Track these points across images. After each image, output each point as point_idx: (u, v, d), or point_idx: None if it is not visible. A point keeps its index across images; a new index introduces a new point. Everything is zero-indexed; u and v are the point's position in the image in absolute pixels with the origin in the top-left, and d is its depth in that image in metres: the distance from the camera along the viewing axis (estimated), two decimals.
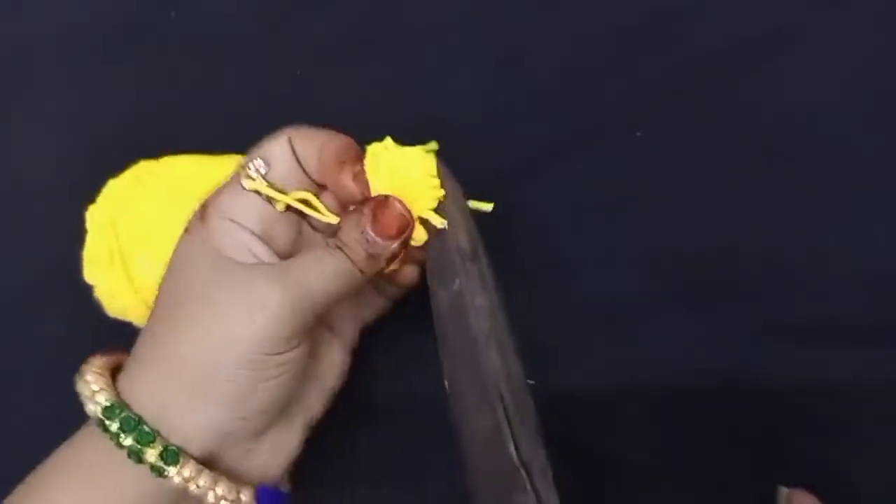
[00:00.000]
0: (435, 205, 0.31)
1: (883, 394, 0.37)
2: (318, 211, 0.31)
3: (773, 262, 0.39)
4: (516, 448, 0.27)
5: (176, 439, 0.28)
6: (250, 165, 0.31)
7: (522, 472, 0.27)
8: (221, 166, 0.33)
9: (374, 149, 0.31)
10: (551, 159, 0.41)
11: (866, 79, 0.41)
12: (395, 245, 0.30)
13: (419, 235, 0.31)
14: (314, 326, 0.30)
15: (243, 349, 0.28)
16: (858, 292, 0.38)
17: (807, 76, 0.41)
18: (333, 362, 0.33)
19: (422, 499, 0.37)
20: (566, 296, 0.39)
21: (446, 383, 0.30)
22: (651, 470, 0.37)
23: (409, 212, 0.30)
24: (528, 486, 0.27)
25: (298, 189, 0.31)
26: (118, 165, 0.40)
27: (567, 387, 0.38)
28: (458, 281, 0.29)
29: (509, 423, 0.27)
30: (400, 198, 0.31)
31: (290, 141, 0.31)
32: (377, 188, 0.31)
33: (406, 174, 0.31)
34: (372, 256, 0.30)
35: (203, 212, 0.31)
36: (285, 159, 0.31)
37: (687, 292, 0.39)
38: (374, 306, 0.35)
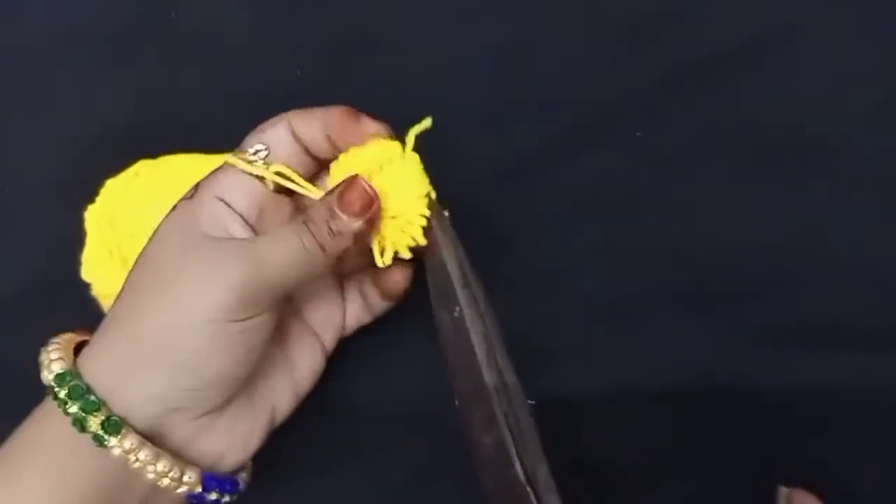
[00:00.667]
0: (426, 212, 0.31)
1: (883, 394, 0.37)
2: (297, 184, 0.32)
3: (773, 262, 0.39)
4: (521, 464, 0.28)
5: (121, 410, 0.28)
6: (248, 149, 0.31)
7: (528, 488, 0.28)
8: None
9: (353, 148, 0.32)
10: (551, 159, 0.41)
11: (867, 78, 0.41)
12: (357, 223, 0.30)
13: (401, 244, 0.32)
14: (275, 304, 0.30)
15: (197, 314, 0.28)
16: (859, 293, 0.38)
17: (807, 76, 0.41)
18: (308, 363, 0.34)
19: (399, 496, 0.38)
20: (566, 296, 0.39)
21: (456, 402, 0.30)
22: (651, 470, 0.37)
23: (374, 191, 0.31)
24: (534, 501, 0.28)
25: (301, 168, 0.32)
26: (118, 165, 0.40)
27: (567, 387, 0.38)
28: (458, 308, 0.30)
29: (514, 440, 0.28)
30: (371, 183, 0.31)
31: (290, 124, 0.32)
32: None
33: (390, 171, 0.32)
34: (334, 233, 0.30)
35: (194, 190, 0.31)
36: (286, 142, 0.32)
37: (687, 293, 0.39)
38: (356, 316, 0.35)
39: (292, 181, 0.32)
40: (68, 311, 0.38)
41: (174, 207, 0.31)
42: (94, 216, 0.38)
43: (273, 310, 0.30)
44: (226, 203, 0.31)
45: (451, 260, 0.31)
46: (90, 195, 0.38)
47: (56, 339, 0.30)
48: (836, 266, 0.39)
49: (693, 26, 0.42)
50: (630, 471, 0.37)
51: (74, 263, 0.38)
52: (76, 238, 0.38)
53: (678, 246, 0.39)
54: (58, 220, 0.40)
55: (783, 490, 0.35)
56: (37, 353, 0.39)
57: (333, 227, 0.30)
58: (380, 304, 0.35)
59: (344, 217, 0.30)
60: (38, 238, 0.41)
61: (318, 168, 0.33)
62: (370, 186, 0.31)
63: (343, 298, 0.35)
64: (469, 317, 0.30)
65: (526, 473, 0.28)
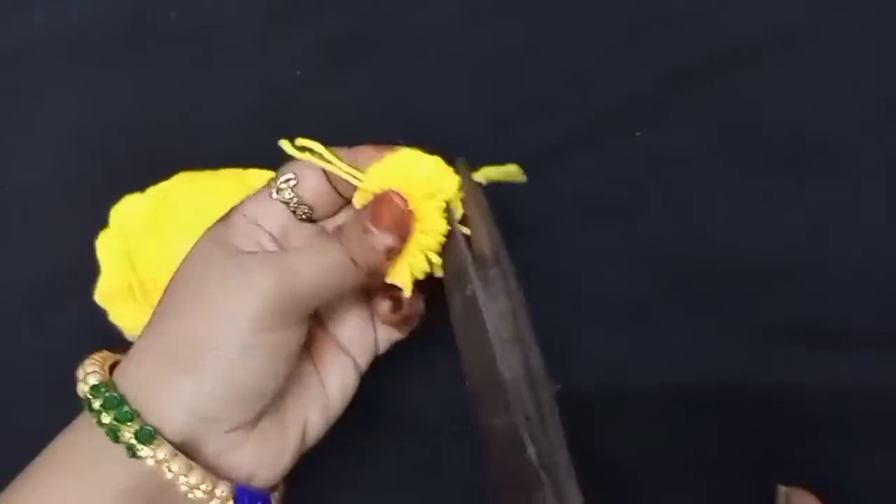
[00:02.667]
0: (445, 229, 0.31)
1: (883, 394, 0.37)
2: (349, 174, 0.32)
3: (774, 262, 0.39)
4: (536, 448, 0.27)
5: (154, 420, 0.28)
6: (282, 178, 0.32)
7: (542, 472, 0.27)
8: (237, 185, 0.33)
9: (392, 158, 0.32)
10: (551, 159, 0.41)
11: (868, 79, 0.41)
12: (389, 239, 0.30)
13: (418, 265, 0.31)
14: (302, 318, 0.30)
15: (230, 324, 0.29)
16: (859, 293, 0.38)
17: (807, 76, 0.41)
18: (341, 382, 0.34)
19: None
20: (566, 296, 0.39)
21: (467, 384, 0.30)
22: (651, 470, 0.37)
23: (406, 206, 0.31)
24: (549, 486, 0.27)
25: (326, 206, 0.33)
26: (118, 166, 0.40)
27: (566, 387, 0.38)
28: (470, 287, 0.29)
29: (528, 423, 0.28)
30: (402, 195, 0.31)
31: (321, 165, 0.32)
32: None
33: (423, 186, 0.31)
34: (366, 247, 0.30)
35: (227, 215, 0.32)
36: (314, 176, 0.32)
37: (687, 293, 0.39)
38: (388, 333, 0.35)
39: (343, 168, 0.32)
40: (70, 310, 0.38)
41: (209, 230, 0.32)
42: (108, 248, 0.37)
43: (304, 323, 0.30)
44: (259, 226, 0.32)
45: (481, 236, 0.31)
46: (90, 195, 0.38)
47: (93, 356, 0.31)
48: (836, 266, 0.39)
49: (693, 27, 0.42)
50: (630, 471, 0.37)
51: (75, 263, 0.38)
52: (77, 238, 0.38)
53: (678, 246, 0.39)
54: (59, 219, 0.40)
55: (783, 490, 0.35)
56: (40, 353, 0.39)
57: (368, 242, 0.30)
58: (410, 322, 0.35)
59: (376, 232, 0.30)
60: (38, 238, 0.41)
61: (343, 204, 0.33)
62: (404, 202, 0.31)
63: (372, 316, 0.35)
64: (484, 295, 0.29)
65: (540, 457, 0.27)
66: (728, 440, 0.37)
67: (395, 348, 0.36)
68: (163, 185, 0.38)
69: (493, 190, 0.40)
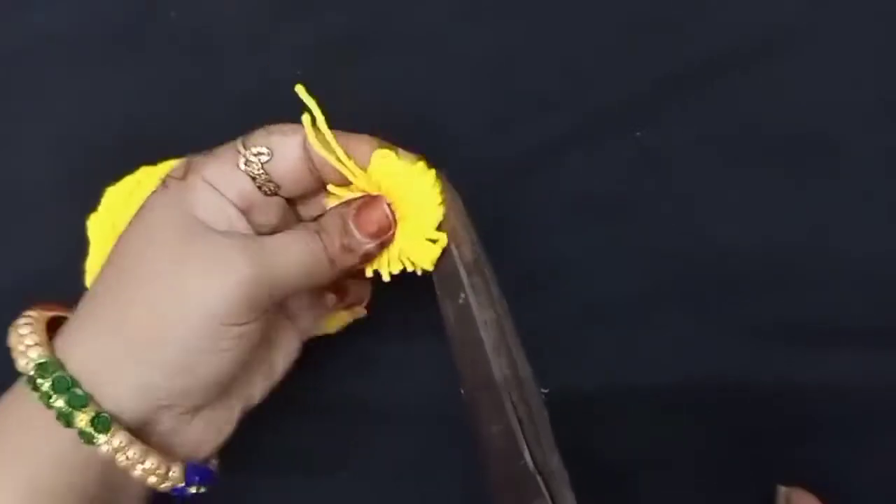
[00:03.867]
0: (435, 225, 0.31)
1: (883, 394, 0.37)
2: (349, 169, 0.30)
3: (774, 262, 0.39)
4: (531, 453, 0.27)
5: (109, 405, 0.27)
6: (254, 149, 0.30)
7: (538, 477, 0.27)
8: None
9: (377, 157, 0.30)
10: (551, 159, 0.41)
11: (867, 79, 0.41)
12: (371, 245, 0.30)
13: (419, 257, 0.31)
14: (272, 308, 0.29)
15: (199, 314, 0.27)
16: (859, 292, 0.38)
17: (807, 76, 0.41)
18: (285, 352, 0.33)
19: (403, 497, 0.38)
20: (566, 296, 0.39)
21: (462, 391, 0.30)
22: (651, 470, 0.37)
23: (393, 216, 0.30)
24: (545, 491, 0.27)
25: (296, 187, 0.31)
26: (118, 166, 0.40)
27: (566, 387, 0.38)
28: (462, 295, 0.29)
29: (522, 429, 0.28)
30: (392, 203, 0.30)
31: (305, 139, 0.30)
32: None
33: (407, 190, 0.30)
34: (346, 249, 0.30)
35: (185, 170, 0.30)
36: (295, 155, 0.30)
37: (687, 292, 0.39)
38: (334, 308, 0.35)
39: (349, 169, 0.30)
40: (68, 309, 0.38)
41: (163, 184, 0.29)
42: (97, 225, 0.37)
43: (267, 314, 0.29)
44: (220, 192, 0.29)
45: (463, 243, 0.30)
46: (90, 195, 0.38)
47: (25, 319, 0.29)
48: (836, 265, 0.39)
49: (693, 26, 0.42)
50: (630, 470, 0.37)
51: (74, 263, 0.38)
52: (76, 238, 0.38)
53: (678, 246, 0.39)
54: (58, 219, 0.40)
55: (783, 490, 0.35)
56: None
57: (346, 242, 0.29)
58: (359, 292, 0.34)
59: (358, 236, 0.30)
60: (37, 237, 0.41)
61: (318, 189, 0.31)
62: (391, 211, 0.30)
63: (322, 291, 0.34)
64: (476, 304, 0.29)
65: (535, 463, 0.27)
66: (728, 440, 0.37)
67: (393, 346, 0.36)
68: (155, 166, 0.38)
69: (494, 190, 0.40)
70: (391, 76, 0.42)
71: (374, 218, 0.30)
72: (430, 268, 0.31)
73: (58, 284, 0.39)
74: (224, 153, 0.30)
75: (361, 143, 0.30)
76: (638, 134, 0.41)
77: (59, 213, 0.40)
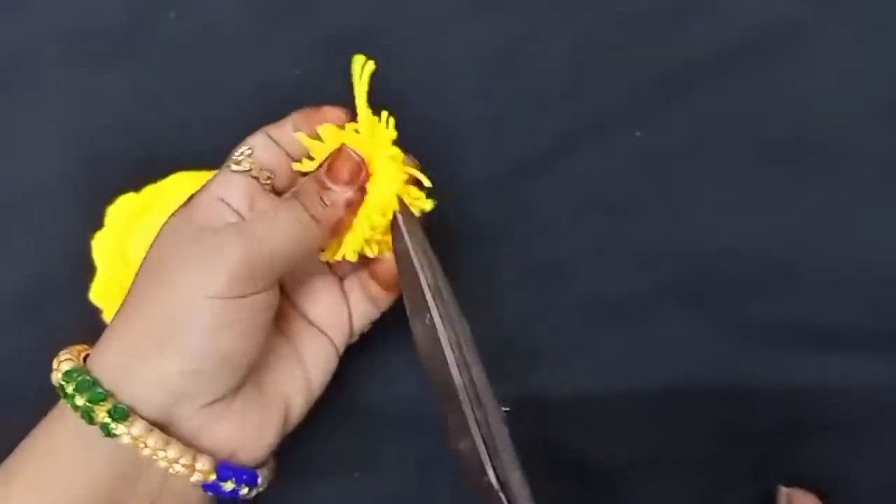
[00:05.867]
0: (402, 186, 0.32)
1: (883, 394, 0.37)
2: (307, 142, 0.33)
3: (773, 262, 0.39)
4: (493, 469, 0.28)
5: (128, 400, 0.28)
6: (237, 152, 0.33)
7: (501, 494, 0.28)
8: None
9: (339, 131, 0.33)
10: (551, 159, 0.41)
11: (867, 79, 0.41)
12: (349, 192, 0.31)
13: (379, 220, 0.32)
14: (275, 283, 0.31)
15: (199, 293, 0.29)
16: (859, 293, 0.38)
17: (807, 76, 0.41)
18: (320, 361, 0.34)
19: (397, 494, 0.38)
20: (566, 295, 0.39)
21: (438, 408, 0.31)
22: (651, 470, 0.37)
23: (361, 158, 0.32)
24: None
25: (285, 170, 0.33)
26: (117, 166, 0.40)
27: (566, 387, 0.38)
28: (428, 315, 0.30)
29: (485, 445, 0.28)
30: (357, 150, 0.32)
31: (266, 133, 0.33)
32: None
33: (371, 155, 0.32)
34: (327, 204, 0.31)
35: (193, 196, 0.32)
36: (266, 142, 0.33)
37: (687, 292, 0.39)
38: (363, 312, 0.35)
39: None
40: (68, 311, 0.38)
41: (172, 214, 0.32)
42: (103, 247, 0.37)
43: (272, 289, 0.31)
44: (225, 202, 0.32)
45: (421, 267, 0.31)
46: (89, 195, 0.38)
47: (68, 348, 0.31)
48: (836, 266, 0.39)
49: (693, 26, 0.42)
50: (630, 470, 0.37)
51: (74, 263, 0.38)
52: (76, 238, 0.38)
53: (678, 246, 0.39)
54: (57, 219, 0.40)
55: (783, 490, 0.35)
56: (37, 353, 0.39)
57: (325, 198, 0.31)
58: (383, 297, 0.35)
59: (334, 187, 0.31)
60: (37, 238, 0.40)
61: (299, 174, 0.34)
62: (357, 154, 0.31)
63: (345, 296, 0.35)
64: (440, 324, 0.30)
65: (499, 479, 0.28)
66: (728, 440, 0.37)
67: (388, 344, 0.36)
68: (158, 183, 0.38)
69: (494, 190, 0.40)
70: (390, 76, 0.42)
71: (343, 165, 0.31)
72: (381, 247, 0.32)
73: (58, 285, 0.39)
74: (219, 171, 0.33)
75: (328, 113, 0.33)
76: (638, 134, 0.41)
77: (57, 213, 0.40)
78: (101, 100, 0.42)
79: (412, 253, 0.31)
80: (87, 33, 0.43)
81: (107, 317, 0.37)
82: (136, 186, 0.38)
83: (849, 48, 0.41)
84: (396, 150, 0.32)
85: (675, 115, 0.41)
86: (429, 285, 0.31)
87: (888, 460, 0.36)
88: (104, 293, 0.37)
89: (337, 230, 0.32)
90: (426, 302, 0.30)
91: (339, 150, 0.32)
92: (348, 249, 0.33)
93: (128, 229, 0.37)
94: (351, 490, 0.38)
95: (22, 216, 0.41)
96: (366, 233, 0.32)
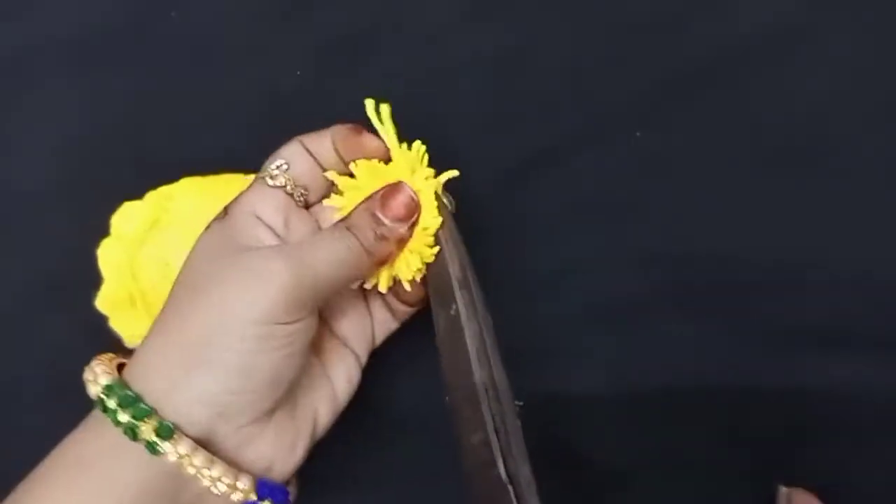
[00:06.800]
0: (439, 224, 0.32)
1: (883, 395, 0.37)
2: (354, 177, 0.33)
3: (774, 262, 0.39)
4: (504, 463, 0.28)
5: (171, 416, 0.28)
6: (273, 165, 0.32)
7: (509, 486, 0.28)
8: (238, 190, 0.33)
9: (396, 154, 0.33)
10: (551, 159, 0.41)
11: (867, 78, 0.41)
12: (403, 228, 0.31)
13: (425, 254, 0.32)
14: (320, 304, 0.31)
15: (246, 316, 0.29)
16: (859, 293, 0.38)
17: (807, 76, 0.41)
18: (345, 374, 0.34)
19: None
20: (566, 296, 0.39)
21: (446, 399, 0.31)
22: (651, 470, 0.37)
23: (417, 197, 0.32)
24: (514, 500, 0.28)
25: (320, 186, 0.33)
26: (118, 167, 0.40)
27: (566, 387, 0.38)
28: (454, 306, 0.30)
29: (498, 439, 0.28)
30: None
31: (301, 142, 0.33)
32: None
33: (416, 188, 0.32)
34: (379, 238, 0.31)
35: (226, 211, 0.32)
36: (303, 158, 0.33)
37: (687, 293, 0.39)
38: (384, 325, 0.36)
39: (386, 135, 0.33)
40: (68, 311, 0.38)
41: (208, 227, 0.32)
42: (109, 256, 0.37)
43: (315, 313, 0.31)
44: (259, 218, 0.32)
45: (452, 258, 0.31)
46: (89, 196, 0.38)
47: (98, 357, 0.31)
48: (836, 266, 0.39)
49: (693, 26, 0.42)
50: (630, 470, 0.37)
51: (74, 264, 0.38)
52: (76, 238, 0.38)
53: (678, 246, 0.39)
54: (58, 221, 0.40)
55: (783, 490, 0.35)
56: (38, 354, 0.39)
57: (379, 231, 0.31)
58: (404, 310, 0.35)
59: (388, 222, 0.31)
60: (37, 238, 0.40)
61: (331, 184, 0.34)
62: (413, 192, 0.32)
63: (369, 309, 0.36)
64: (465, 316, 0.30)
65: (508, 473, 0.28)
66: (728, 441, 0.37)
67: (389, 344, 0.36)
68: (162, 190, 0.38)
69: (494, 190, 0.40)
70: (391, 76, 0.42)
71: (400, 202, 0.31)
72: (419, 276, 0.32)
73: (58, 285, 0.39)
74: (254, 183, 0.33)
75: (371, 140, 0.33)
76: (638, 134, 0.41)
77: (58, 215, 0.40)
78: (101, 100, 0.42)
79: (442, 243, 0.32)
80: (87, 33, 0.43)
81: (113, 324, 0.37)
82: (137, 188, 0.38)
83: (849, 49, 0.41)
84: (435, 183, 0.32)
85: (675, 116, 0.41)
86: (457, 277, 0.31)
87: (888, 461, 0.37)
88: (111, 304, 0.37)
89: (384, 263, 0.32)
90: (453, 292, 0.30)
91: (398, 187, 0.32)
92: (386, 278, 0.33)
93: (135, 239, 0.37)
94: (356, 497, 0.38)
95: (22, 218, 0.41)
96: (413, 264, 0.32)
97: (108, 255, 0.37)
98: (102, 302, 0.37)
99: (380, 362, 0.37)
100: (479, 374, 0.29)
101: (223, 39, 0.43)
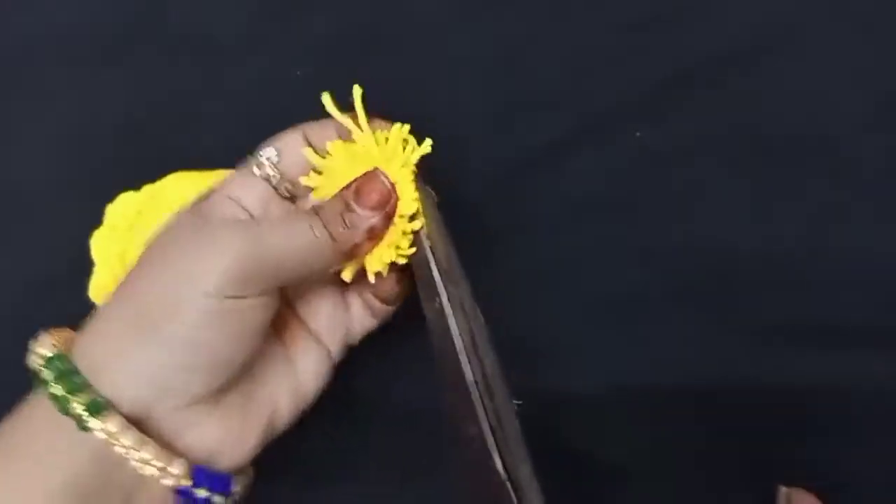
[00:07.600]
0: (416, 213, 0.31)
1: (883, 395, 0.37)
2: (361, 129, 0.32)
3: (774, 262, 0.39)
4: (501, 459, 0.28)
5: (108, 390, 0.27)
6: (261, 154, 0.32)
7: (508, 484, 0.27)
8: None
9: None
10: (551, 159, 0.41)
11: (867, 78, 0.41)
12: (374, 218, 0.30)
13: (402, 246, 0.31)
14: (275, 290, 0.30)
15: (197, 286, 0.28)
16: (859, 293, 0.38)
17: (807, 76, 0.41)
18: (313, 369, 0.33)
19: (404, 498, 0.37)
20: (566, 296, 0.39)
21: (442, 395, 0.30)
22: (651, 469, 0.37)
23: (392, 186, 0.31)
24: (514, 498, 0.27)
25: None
26: (117, 165, 0.40)
27: (566, 386, 0.38)
28: (438, 300, 0.30)
29: (493, 435, 0.28)
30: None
31: (303, 133, 0.32)
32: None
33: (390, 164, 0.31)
34: (348, 225, 0.30)
35: (206, 193, 0.31)
36: (297, 149, 0.32)
37: (687, 292, 0.39)
38: (361, 322, 0.35)
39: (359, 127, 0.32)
40: (68, 310, 0.38)
41: (186, 204, 0.31)
42: (101, 245, 0.37)
43: (272, 295, 0.30)
44: (237, 202, 0.31)
45: (437, 250, 0.31)
46: (89, 194, 0.38)
47: (51, 330, 0.30)
48: (836, 266, 0.39)
49: (693, 26, 0.42)
50: (630, 470, 0.37)
51: (74, 263, 0.38)
52: (76, 237, 0.38)
53: (678, 246, 0.39)
54: (57, 219, 0.40)
55: (783, 490, 0.35)
56: None
57: (347, 219, 0.30)
58: (383, 309, 0.35)
59: (359, 210, 0.30)
60: (37, 238, 0.41)
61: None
62: (389, 181, 0.31)
63: (346, 306, 0.35)
64: (449, 309, 0.30)
65: (505, 467, 0.27)
66: (728, 440, 0.37)
67: (379, 341, 0.36)
68: (157, 183, 0.38)
69: (494, 190, 0.40)
70: (391, 76, 0.42)
71: (373, 188, 0.30)
72: (403, 260, 0.32)
73: (58, 284, 0.39)
74: (241, 167, 0.32)
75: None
76: (638, 134, 0.41)
77: (58, 212, 0.40)
78: (100, 98, 0.42)
79: (424, 236, 0.31)
80: (86, 33, 0.43)
81: None
82: (137, 186, 0.39)
83: (848, 47, 0.41)
84: (412, 170, 0.32)
85: (675, 115, 0.41)
86: (442, 269, 0.30)
87: (888, 460, 0.36)
88: (102, 292, 0.37)
89: (353, 254, 0.31)
90: (436, 285, 0.30)
91: (371, 174, 0.31)
92: (351, 268, 0.32)
93: (127, 228, 0.37)
94: (350, 491, 0.38)
95: (22, 215, 0.41)
96: (386, 256, 0.31)
97: (100, 244, 0.37)
98: (94, 291, 0.37)
99: (373, 356, 0.37)
100: (468, 368, 0.29)
101: (222, 38, 0.43)
